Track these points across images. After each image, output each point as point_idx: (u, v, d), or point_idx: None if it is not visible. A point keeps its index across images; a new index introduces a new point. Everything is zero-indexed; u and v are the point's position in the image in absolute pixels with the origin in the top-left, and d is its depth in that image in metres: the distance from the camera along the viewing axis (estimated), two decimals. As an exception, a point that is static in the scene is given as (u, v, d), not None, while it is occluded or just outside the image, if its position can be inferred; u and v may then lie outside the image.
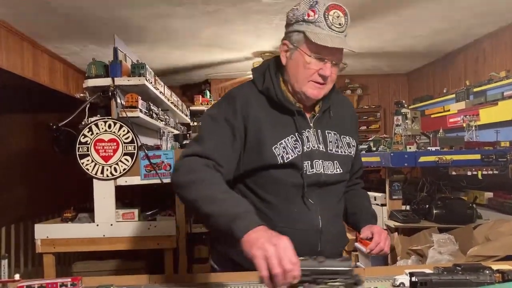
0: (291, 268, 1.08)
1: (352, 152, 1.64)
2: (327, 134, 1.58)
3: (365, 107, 7.86)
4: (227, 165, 1.46)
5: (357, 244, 3.57)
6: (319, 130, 1.56)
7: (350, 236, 2.76)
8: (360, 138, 5.83)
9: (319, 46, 1.41)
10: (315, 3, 1.43)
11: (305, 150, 1.51)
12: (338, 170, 1.57)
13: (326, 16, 1.42)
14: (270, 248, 1.10)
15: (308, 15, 1.44)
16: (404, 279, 1.33)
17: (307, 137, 1.53)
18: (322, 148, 1.55)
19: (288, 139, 1.50)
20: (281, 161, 1.47)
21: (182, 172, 1.39)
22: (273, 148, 1.48)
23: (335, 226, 1.59)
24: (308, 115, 1.57)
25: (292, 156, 1.49)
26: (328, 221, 1.53)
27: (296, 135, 1.51)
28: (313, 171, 1.51)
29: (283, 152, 1.49)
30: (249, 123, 1.49)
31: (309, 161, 1.51)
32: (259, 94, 1.54)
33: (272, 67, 1.58)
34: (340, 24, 1.44)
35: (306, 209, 1.50)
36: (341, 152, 1.59)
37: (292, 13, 1.49)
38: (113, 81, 2.64)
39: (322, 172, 1.53)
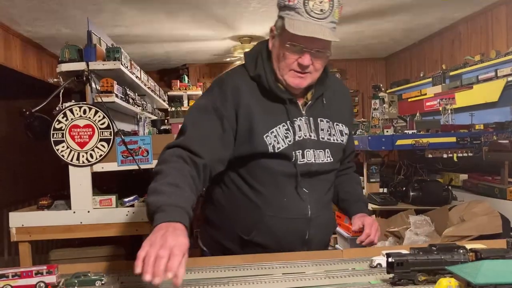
0: (165, 262, 1.01)
1: (344, 140, 1.60)
2: (319, 122, 1.54)
3: (344, 91, 7.91)
4: (212, 156, 1.40)
5: (338, 229, 3.60)
6: (311, 118, 1.52)
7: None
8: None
9: (295, 34, 1.35)
10: None
11: (296, 140, 1.47)
12: (329, 158, 1.54)
13: (306, 2, 1.33)
14: (158, 240, 1.05)
15: (289, 0, 1.36)
16: (381, 260, 1.34)
17: (298, 125, 1.49)
18: (314, 137, 1.51)
19: (279, 128, 1.46)
20: (272, 150, 1.44)
21: (157, 163, 1.37)
22: (264, 136, 1.44)
23: (324, 214, 1.58)
24: (300, 103, 1.53)
25: (283, 146, 1.45)
26: (318, 209, 1.52)
27: (288, 124, 1.47)
28: (304, 161, 1.48)
29: (274, 141, 1.45)
30: (240, 111, 1.44)
31: (301, 151, 1.48)
32: (251, 81, 1.49)
33: (264, 51, 1.51)
34: (322, 11, 1.34)
35: (298, 198, 1.49)
36: (334, 140, 1.56)
37: None
38: (88, 65, 2.57)
39: (313, 162, 1.50)
